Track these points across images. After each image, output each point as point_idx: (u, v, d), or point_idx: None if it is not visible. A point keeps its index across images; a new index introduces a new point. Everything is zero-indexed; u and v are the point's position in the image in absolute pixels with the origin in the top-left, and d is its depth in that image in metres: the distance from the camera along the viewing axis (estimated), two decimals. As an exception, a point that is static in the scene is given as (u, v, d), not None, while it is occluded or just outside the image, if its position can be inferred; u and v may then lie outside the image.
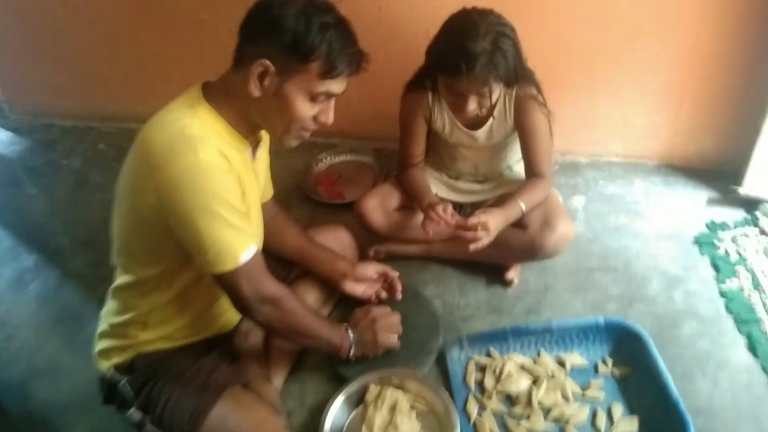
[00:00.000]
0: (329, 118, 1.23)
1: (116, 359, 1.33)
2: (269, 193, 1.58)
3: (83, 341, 1.70)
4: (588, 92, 2.14)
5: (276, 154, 2.46)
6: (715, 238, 1.94)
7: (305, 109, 1.17)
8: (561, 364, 1.57)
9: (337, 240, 1.72)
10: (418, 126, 1.80)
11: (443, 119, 1.77)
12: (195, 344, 1.39)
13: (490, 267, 1.86)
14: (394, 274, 1.68)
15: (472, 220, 1.55)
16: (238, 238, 1.15)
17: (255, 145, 1.31)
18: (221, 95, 1.18)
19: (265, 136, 1.36)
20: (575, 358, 1.57)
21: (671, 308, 1.73)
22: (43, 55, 2.63)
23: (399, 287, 1.67)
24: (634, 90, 2.11)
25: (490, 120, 1.72)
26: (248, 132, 1.25)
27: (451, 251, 1.86)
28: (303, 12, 1.10)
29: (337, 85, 1.17)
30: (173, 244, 1.17)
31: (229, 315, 1.44)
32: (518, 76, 1.59)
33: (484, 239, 1.56)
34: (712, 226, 1.99)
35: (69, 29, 2.53)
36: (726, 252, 1.88)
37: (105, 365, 1.34)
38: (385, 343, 1.52)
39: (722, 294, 1.76)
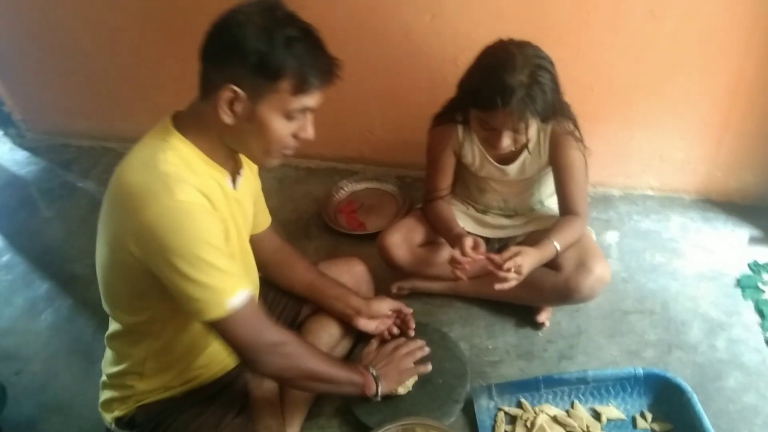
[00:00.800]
0: (309, 133, 1.15)
1: (117, 412, 1.28)
2: (265, 221, 1.50)
3: (95, 376, 1.63)
4: (624, 124, 2.07)
5: (296, 181, 2.46)
6: (759, 281, 1.84)
7: (282, 128, 1.10)
8: (596, 417, 1.49)
9: (351, 273, 1.66)
10: (446, 159, 1.73)
11: (473, 153, 1.70)
12: (198, 391, 1.33)
13: (520, 307, 1.78)
14: (408, 310, 1.62)
15: (508, 264, 1.46)
16: (226, 282, 1.08)
17: (235, 173, 1.23)
18: (193, 125, 1.12)
19: (249, 163, 1.30)
20: (612, 411, 1.49)
21: (713, 357, 1.64)
22: (62, 74, 2.63)
23: (412, 324, 1.62)
24: (672, 122, 2.03)
25: (524, 155, 1.65)
26: (225, 159, 1.18)
27: (479, 290, 1.79)
28: (264, 28, 1.03)
29: (312, 100, 1.10)
30: (158, 289, 1.10)
31: (229, 356, 1.37)
32: (556, 110, 1.51)
33: (513, 281, 1.48)
34: (756, 268, 1.89)
35: (88, 50, 2.52)
36: (771, 296, 1.78)
37: (108, 418, 1.29)
38: (410, 372, 1.47)
39: (769, 343, 1.66)
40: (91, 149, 2.75)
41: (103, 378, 1.32)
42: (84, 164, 2.67)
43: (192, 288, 1.05)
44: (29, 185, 2.62)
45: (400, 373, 1.46)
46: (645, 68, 1.91)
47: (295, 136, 1.14)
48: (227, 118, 1.06)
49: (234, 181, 1.22)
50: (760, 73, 1.85)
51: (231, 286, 1.09)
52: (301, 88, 1.06)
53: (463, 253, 1.52)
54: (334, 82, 1.11)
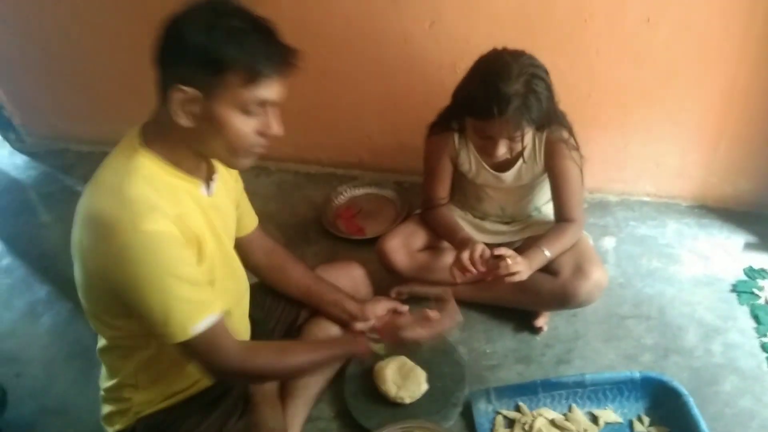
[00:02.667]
0: (274, 129, 1.10)
1: (118, 425, 1.27)
2: (251, 222, 1.47)
3: (95, 379, 1.63)
4: (620, 130, 2.08)
5: (295, 186, 2.47)
6: (755, 287, 1.85)
7: (242, 125, 1.05)
8: (594, 420, 1.49)
9: (349, 277, 1.66)
10: (443, 167, 1.74)
11: (470, 161, 1.72)
12: (197, 398, 1.32)
13: (518, 312, 1.79)
14: (404, 308, 1.61)
15: (507, 262, 1.49)
16: (189, 311, 1.06)
17: (208, 178, 1.19)
18: (157, 134, 1.09)
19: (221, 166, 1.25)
20: (609, 415, 1.50)
21: (710, 362, 1.65)
22: (62, 79, 2.64)
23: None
24: (668, 128, 2.05)
25: (519, 162, 1.67)
26: (195, 166, 1.14)
27: (477, 295, 1.80)
28: (205, 22, 0.99)
29: (267, 91, 1.04)
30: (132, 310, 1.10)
31: None
32: (551, 118, 1.53)
33: (522, 272, 1.49)
34: (751, 273, 1.90)
35: (88, 55, 2.53)
36: (766, 301, 1.80)
37: (110, 431, 1.28)
38: (413, 336, 1.41)
39: (764, 348, 1.67)
40: (91, 154, 2.75)
41: (101, 393, 1.31)
42: (83, 169, 2.66)
43: (156, 316, 1.04)
44: (29, 190, 2.63)
45: (397, 330, 1.41)
46: (641, 75, 1.93)
47: (261, 133, 1.09)
48: (183, 120, 1.03)
49: (209, 186, 1.19)
50: (754, 81, 1.87)
51: (195, 313, 1.07)
52: (251, 79, 1.01)
53: (472, 257, 1.53)
54: (289, 72, 1.06)
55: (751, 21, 1.76)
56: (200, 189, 1.16)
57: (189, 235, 1.08)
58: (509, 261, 1.49)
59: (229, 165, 1.18)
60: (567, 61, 1.87)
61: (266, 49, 1.02)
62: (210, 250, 1.16)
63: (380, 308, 1.59)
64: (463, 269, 1.53)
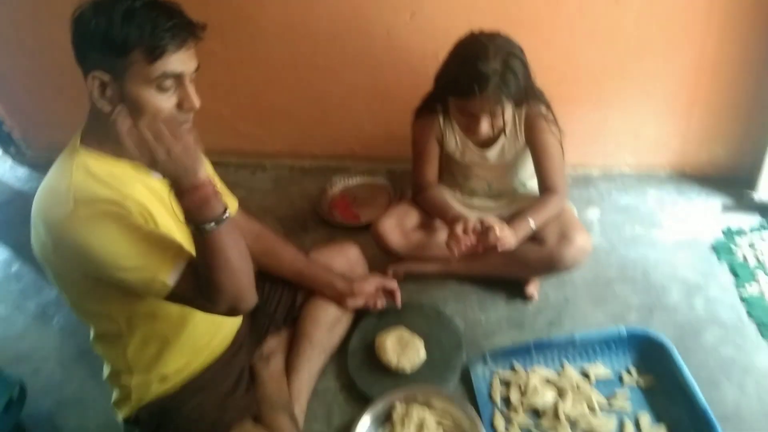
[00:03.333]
0: (192, 102, 1.11)
1: (124, 411, 1.33)
2: (232, 204, 1.51)
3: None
4: (597, 105, 2.17)
5: (291, 181, 2.54)
6: (732, 244, 1.94)
7: (157, 100, 1.08)
8: (585, 375, 1.57)
9: (345, 257, 1.72)
10: (431, 149, 1.82)
11: (455, 140, 1.80)
12: (196, 380, 1.37)
13: (510, 282, 1.87)
14: (392, 285, 1.71)
15: (495, 232, 1.56)
16: (151, 271, 1.09)
17: None
18: (94, 131, 1.14)
19: None
20: (599, 369, 1.57)
21: (692, 316, 1.73)
22: (60, 91, 2.68)
23: (398, 295, 1.73)
24: (643, 101, 2.13)
25: (501, 139, 1.75)
26: None
27: (470, 268, 1.87)
28: (104, 9, 1.03)
29: (173, 64, 1.07)
30: (104, 287, 1.14)
31: (216, 338, 1.42)
32: (528, 94, 1.62)
33: (509, 238, 1.57)
34: (729, 233, 2.00)
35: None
36: (744, 257, 1.89)
37: (119, 415, 1.35)
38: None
39: (743, 299, 1.76)
40: (90, 162, 2.81)
41: (104, 377, 1.38)
42: (84, 177, 2.73)
43: (135, 283, 1.10)
44: (31, 200, 2.68)
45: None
46: (613, 51, 2.02)
47: (179, 107, 1.11)
48: (105, 105, 1.07)
49: None
50: (721, 52, 1.96)
51: (164, 267, 1.10)
52: (153, 54, 1.04)
53: (465, 229, 1.60)
54: (191, 41, 1.09)
55: (713, -5, 1.85)
56: (153, 175, 1.19)
57: (138, 209, 1.13)
58: (497, 229, 1.57)
59: None
60: (543, 42, 1.95)
61: (163, 24, 1.04)
62: (169, 228, 1.19)
63: (368, 286, 1.68)
64: (459, 241, 1.59)
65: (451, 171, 1.93)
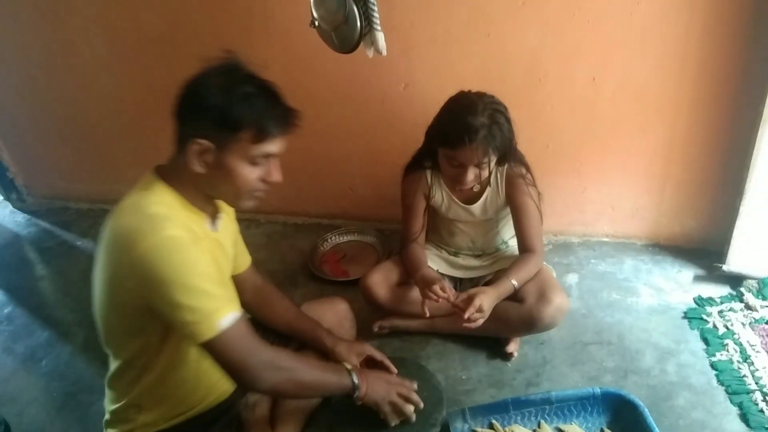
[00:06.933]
0: (275, 177, 1.26)
1: None
2: (245, 261, 1.60)
3: (94, 416, 1.73)
4: (577, 177, 2.29)
5: (284, 236, 2.62)
6: (704, 313, 2.02)
7: (248, 173, 1.21)
8: (561, 435, 1.61)
9: (334, 311, 1.76)
10: (418, 202, 1.93)
11: (441, 195, 1.91)
12: (197, 418, 1.41)
13: (491, 341, 1.92)
14: (379, 357, 1.65)
15: (469, 311, 1.63)
16: (215, 305, 1.17)
17: (214, 216, 1.35)
18: (172, 175, 1.24)
19: (226, 207, 1.41)
20: (575, 429, 1.60)
21: (665, 380, 1.79)
22: (65, 142, 2.80)
23: (388, 363, 1.66)
24: (620, 174, 2.26)
25: (485, 194, 1.87)
26: (204, 204, 1.29)
27: (452, 327, 1.93)
28: (224, 87, 1.16)
29: (273, 146, 1.21)
30: (149, 320, 1.20)
31: (222, 385, 1.46)
32: (511, 152, 1.75)
33: (479, 320, 1.66)
34: (700, 302, 2.08)
35: (93, 120, 2.69)
36: (714, 326, 1.96)
37: None
38: (402, 408, 1.49)
39: (713, 366, 1.83)
40: (90, 211, 2.89)
41: (106, 417, 1.40)
42: (82, 225, 2.81)
43: (183, 313, 1.15)
44: (30, 245, 2.75)
45: (386, 400, 1.47)
46: (591, 127, 2.16)
47: (263, 180, 1.25)
48: (198, 167, 1.19)
49: (214, 223, 1.34)
50: (691, 129, 2.09)
51: (220, 308, 1.17)
52: (260, 137, 1.18)
53: (425, 295, 1.70)
54: (291, 130, 1.23)
55: (681, 76, 2.00)
56: (206, 223, 1.32)
57: (203, 246, 1.23)
58: (473, 308, 1.64)
59: (233, 205, 1.36)
60: (525, 117, 2.05)
61: (273, 111, 1.20)
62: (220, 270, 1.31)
63: (354, 358, 1.62)
64: (429, 297, 1.70)
65: (437, 228, 2.03)
